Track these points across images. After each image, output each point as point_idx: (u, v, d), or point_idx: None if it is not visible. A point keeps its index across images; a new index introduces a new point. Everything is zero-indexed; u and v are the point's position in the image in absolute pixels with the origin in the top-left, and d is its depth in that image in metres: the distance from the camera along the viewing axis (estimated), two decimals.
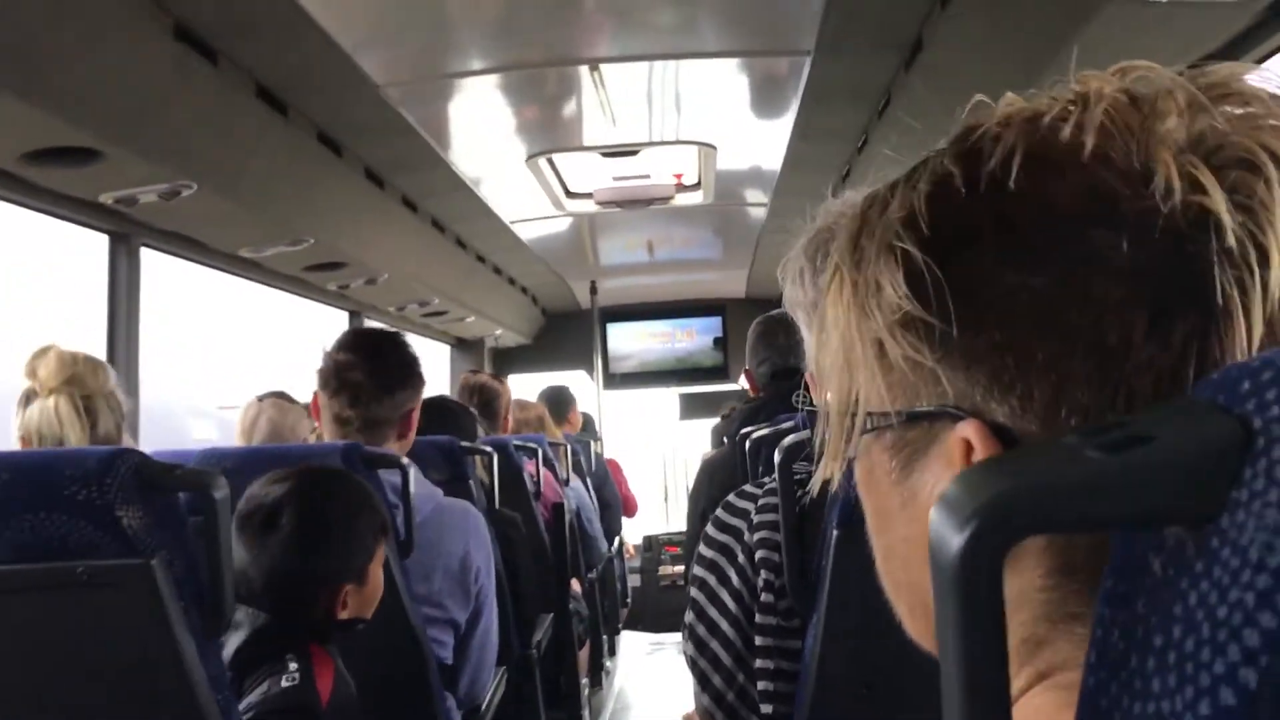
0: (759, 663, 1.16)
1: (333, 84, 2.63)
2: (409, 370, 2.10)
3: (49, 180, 2.22)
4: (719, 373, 6.94)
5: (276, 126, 2.63)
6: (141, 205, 2.47)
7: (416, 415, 2.12)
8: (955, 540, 0.30)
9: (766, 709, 1.15)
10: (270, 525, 1.54)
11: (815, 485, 0.54)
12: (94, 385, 1.87)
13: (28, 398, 1.86)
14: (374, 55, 2.55)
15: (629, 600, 6.27)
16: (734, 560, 1.18)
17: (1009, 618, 0.42)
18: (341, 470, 1.74)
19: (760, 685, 1.16)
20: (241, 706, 1.42)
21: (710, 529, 1.22)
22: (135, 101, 2.13)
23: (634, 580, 6.51)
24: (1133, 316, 0.40)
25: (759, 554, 1.17)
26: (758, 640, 1.16)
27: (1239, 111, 0.42)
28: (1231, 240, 0.39)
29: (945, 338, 0.44)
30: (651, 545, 6.69)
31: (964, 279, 0.43)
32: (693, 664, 1.21)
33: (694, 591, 1.21)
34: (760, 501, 1.20)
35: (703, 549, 1.22)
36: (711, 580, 1.20)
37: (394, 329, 2.69)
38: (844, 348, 0.49)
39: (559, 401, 5.39)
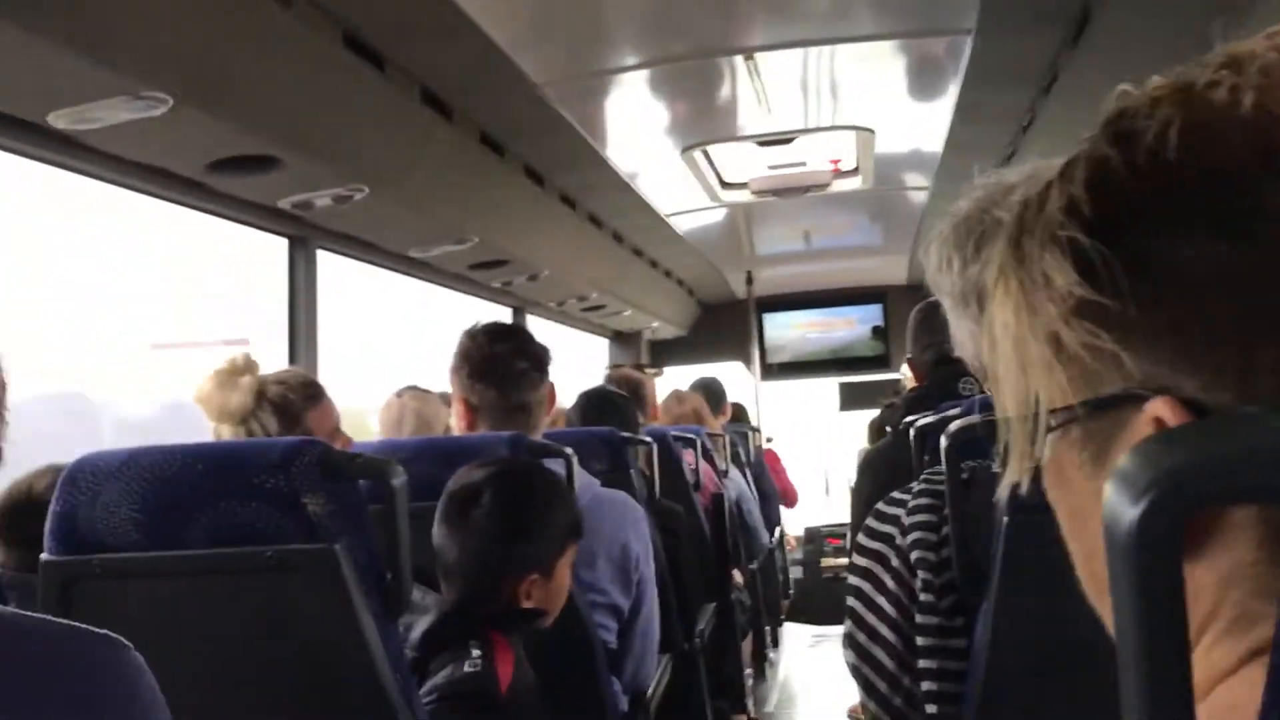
0: (922, 663, 1.14)
1: (493, 85, 2.70)
2: (541, 361, 2.14)
3: (232, 187, 2.36)
4: (880, 362, 6.80)
5: (441, 129, 2.72)
6: (317, 209, 2.59)
7: (547, 405, 2.16)
8: (1130, 514, 0.29)
9: (932, 709, 1.14)
10: (472, 505, 1.60)
11: (1004, 490, 0.52)
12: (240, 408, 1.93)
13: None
14: (532, 55, 2.61)
15: (791, 592, 6.23)
16: (888, 565, 1.17)
17: (1222, 593, 0.41)
18: (543, 466, 1.80)
19: (925, 686, 1.14)
20: (426, 688, 1.48)
21: (862, 537, 1.21)
22: (309, 110, 2.23)
23: (796, 572, 6.46)
24: None
25: (914, 555, 1.15)
26: (920, 641, 1.15)
27: None
28: None
29: (1123, 318, 0.43)
30: (813, 537, 6.62)
31: (1135, 256, 0.43)
32: (855, 671, 1.20)
33: (851, 600, 1.21)
34: (911, 504, 1.18)
35: (856, 558, 1.21)
36: (867, 587, 1.19)
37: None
38: (1017, 350, 0.48)
39: (713, 392, 5.39)
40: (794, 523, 6.69)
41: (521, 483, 1.65)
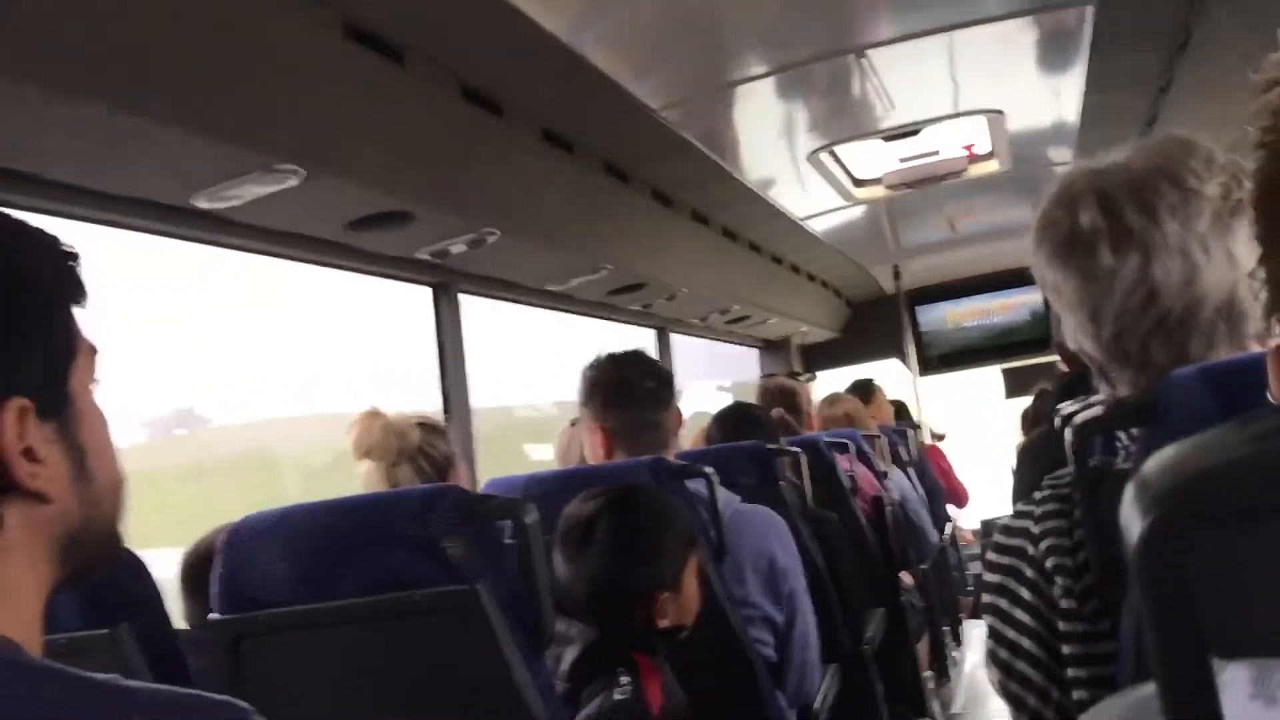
0: (1071, 673, 1.10)
1: (611, 115, 2.75)
2: (662, 380, 2.21)
3: (371, 244, 2.47)
4: (1042, 344, 6.54)
5: (564, 164, 2.78)
6: (454, 255, 2.68)
7: (675, 425, 2.21)
8: (1138, 525, 0.30)
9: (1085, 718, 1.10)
10: (586, 540, 1.64)
11: None
12: (391, 451, 2.02)
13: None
14: (648, 81, 2.64)
15: (970, 588, 6.06)
16: (1023, 579, 1.13)
17: None
18: (646, 485, 1.82)
19: (1076, 695, 1.10)
20: (580, 717, 1.52)
21: (991, 554, 1.18)
22: (435, 162, 2.33)
23: (975, 568, 6.28)
24: None
25: (1050, 562, 1.11)
26: (1066, 650, 1.11)
27: None
28: None
29: None
30: (990, 530, 6.43)
31: None
32: (1003, 689, 1.17)
33: (987, 619, 1.18)
34: (1038, 511, 1.14)
35: (988, 575, 1.18)
36: (1003, 603, 1.16)
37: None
38: None
39: (866, 392, 5.32)
40: (970, 517, 6.52)
41: (630, 506, 1.68)
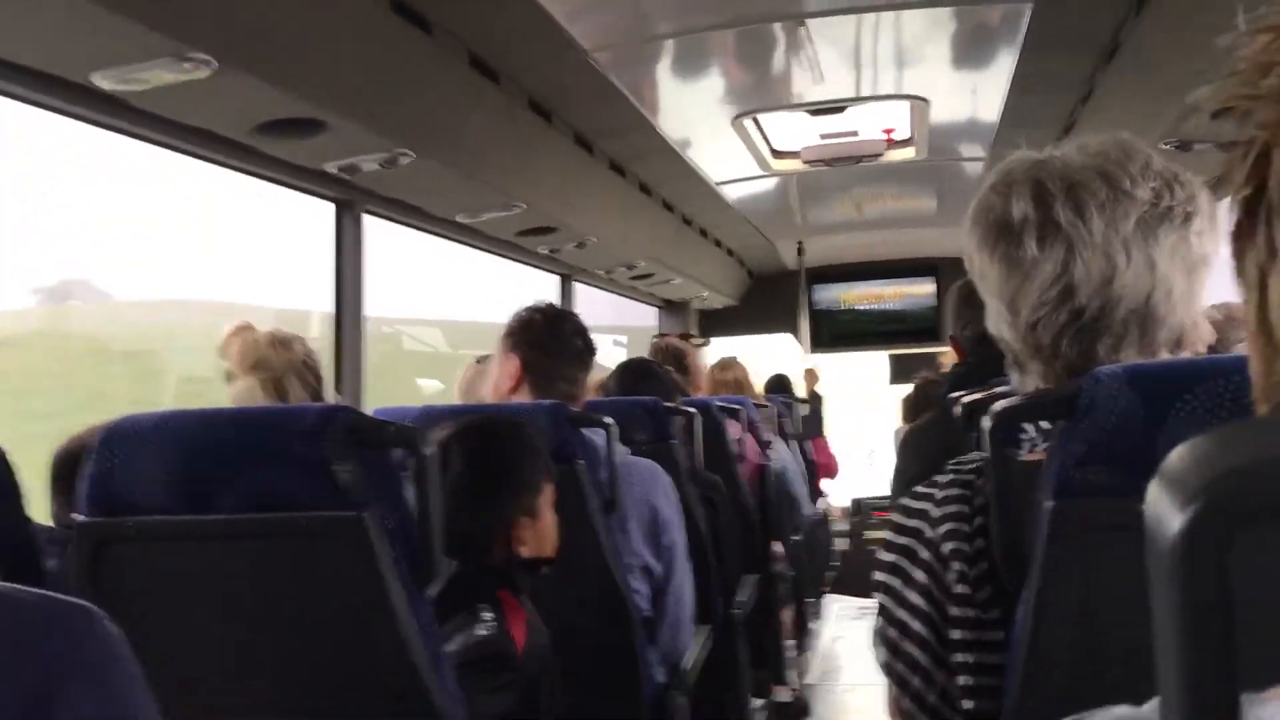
0: (958, 658, 1.11)
1: (542, 51, 2.68)
2: (589, 346, 2.22)
3: (278, 150, 2.36)
4: (932, 334, 6.72)
5: (489, 94, 2.70)
6: (363, 173, 2.58)
7: (584, 392, 2.21)
8: (1175, 521, 0.27)
9: (968, 705, 1.11)
10: (441, 468, 1.59)
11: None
12: (280, 364, 1.98)
13: (229, 376, 2.01)
14: (582, 21, 2.58)
15: (835, 564, 6.20)
16: (917, 560, 1.13)
17: None
18: (502, 415, 1.79)
19: (961, 681, 1.11)
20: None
21: (889, 534, 1.18)
22: (355, 73, 2.23)
23: (841, 544, 6.43)
24: None
25: (948, 546, 1.12)
26: (955, 635, 1.11)
27: None
28: None
29: None
30: (859, 509, 6.59)
31: None
32: (888, 669, 1.18)
33: (880, 596, 1.18)
34: (940, 495, 1.14)
35: (884, 554, 1.18)
36: (896, 583, 1.16)
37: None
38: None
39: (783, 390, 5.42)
40: (840, 494, 6.66)
41: (481, 434, 1.65)
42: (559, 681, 1.62)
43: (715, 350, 5.96)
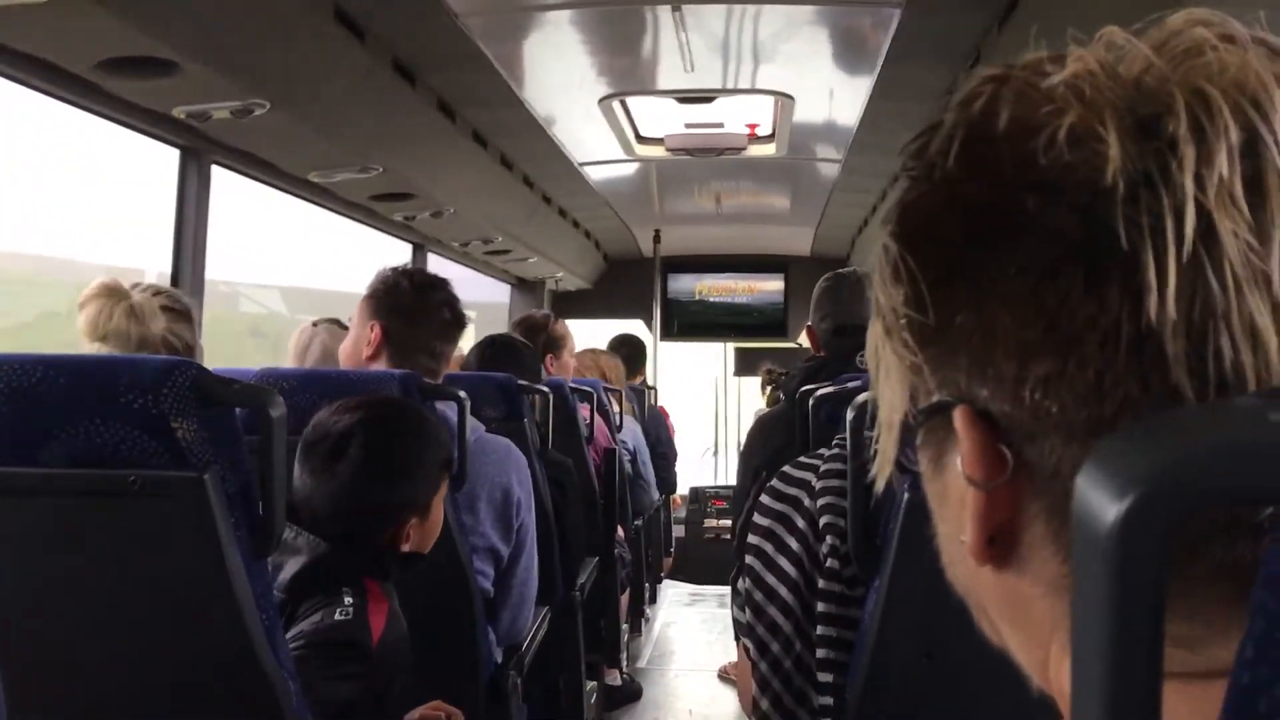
0: (820, 630, 1.13)
1: (410, 10, 2.59)
2: (458, 319, 2.14)
3: (123, 91, 2.22)
4: (778, 329, 6.87)
5: (352, 51, 2.60)
6: (214, 121, 2.46)
7: (450, 353, 2.14)
8: (1111, 510, 0.26)
9: (825, 677, 1.13)
10: (338, 454, 1.53)
11: (880, 483, 0.53)
12: (135, 337, 1.81)
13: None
14: None
15: (672, 550, 6.28)
16: (793, 528, 1.15)
17: (1052, 605, 0.41)
18: (410, 403, 1.73)
19: (820, 653, 1.13)
20: (292, 633, 1.42)
21: (766, 498, 1.20)
22: (213, 14, 2.11)
23: (678, 531, 6.51)
24: (1068, 277, 0.40)
25: (824, 519, 1.14)
26: (820, 607, 1.14)
27: (1179, 53, 0.41)
28: (1135, 190, 0.39)
29: (929, 330, 0.44)
30: (698, 497, 6.68)
31: (936, 267, 0.44)
32: (749, 630, 1.19)
33: (750, 559, 1.19)
34: (824, 468, 1.16)
35: (758, 518, 1.20)
36: (769, 548, 1.17)
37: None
38: (876, 356, 0.50)
39: (635, 352, 5.39)
40: (679, 482, 6.74)
41: (389, 424, 1.59)
42: (411, 677, 1.57)
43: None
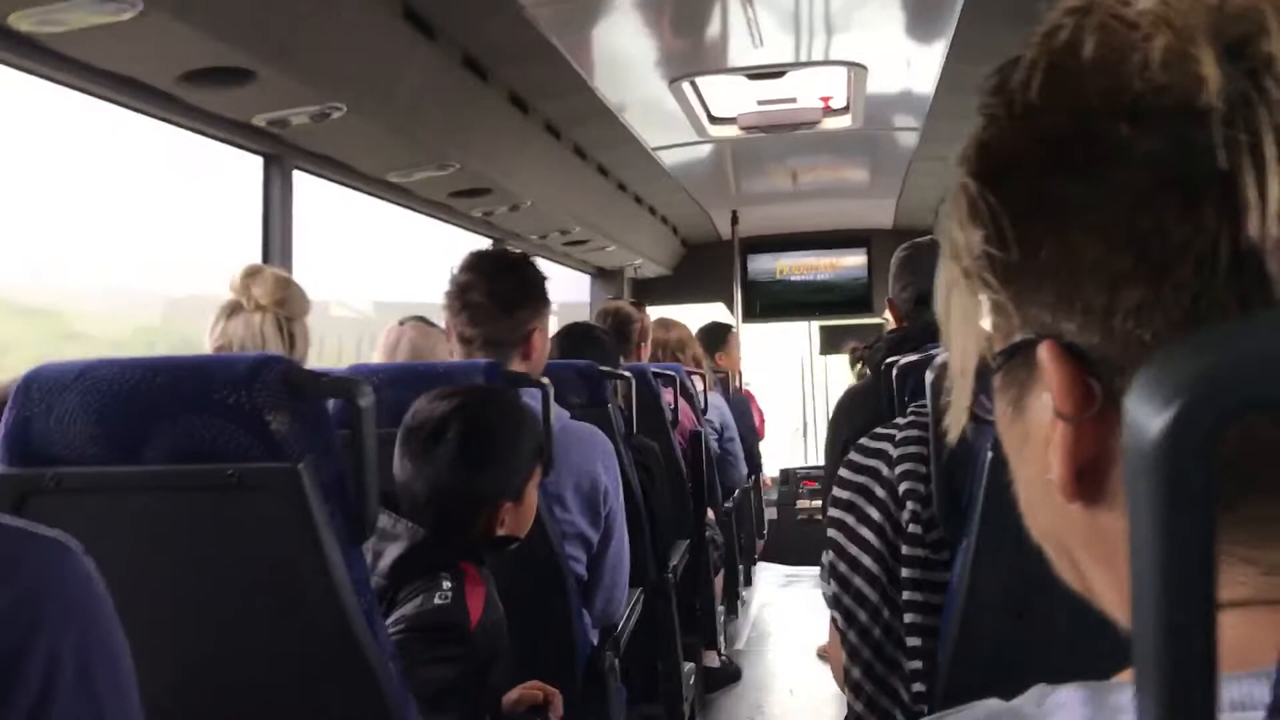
0: (906, 595, 1.13)
1: (478, 5, 2.62)
2: (528, 290, 2.13)
3: (205, 101, 2.28)
4: (862, 305, 6.78)
5: (422, 49, 2.64)
6: (293, 127, 2.52)
7: (541, 336, 2.15)
8: (1155, 422, 0.26)
9: (914, 642, 1.13)
10: (436, 440, 1.57)
11: (953, 434, 0.53)
12: (297, 310, 1.95)
13: (232, 310, 1.94)
14: None
15: (765, 532, 6.26)
16: (872, 498, 1.15)
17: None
18: (504, 390, 1.77)
19: (907, 618, 1.13)
20: (394, 617, 1.46)
21: (844, 471, 1.20)
22: (286, 22, 2.16)
23: (770, 513, 6.49)
24: (1162, 202, 0.39)
25: (903, 486, 1.14)
26: (904, 573, 1.14)
27: None
28: (1232, 109, 0.38)
29: (1008, 266, 0.44)
30: (789, 479, 6.64)
31: (1017, 202, 0.44)
32: (835, 602, 1.19)
33: (832, 532, 1.20)
34: (900, 435, 1.16)
35: (838, 491, 1.20)
36: (850, 519, 1.18)
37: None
38: (948, 302, 0.50)
39: (716, 334, 5.40)
40: (770, 464, 6.72)
41: (485, 412, 1.62)
42: (509, 659, 1.60)
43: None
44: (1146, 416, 0.26)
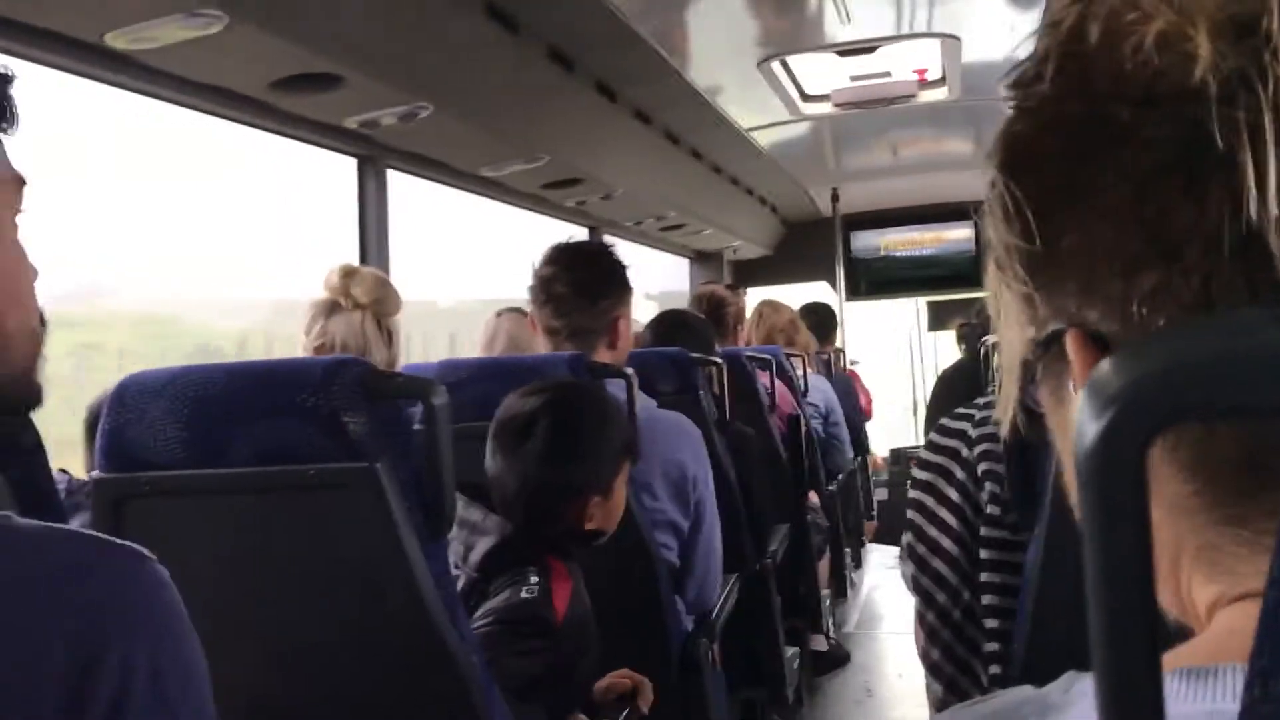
0: (985, 577, 1.12)
1: None
2: (610, 277, 2.15)
3: (297, 107, 2.35)
4: (970, 280, 6.61)
5: (506, 43, 2.66)
6: (384, 128, 2.57)
7: (626, 323, 2.16)
8: (1091, 430, 0.26)
9: (992, 624, 1.11)
10: (524, 436, 1.59)
11: (1004, 429, 0.52)
12: (393, 308, 2.01)
13: (330, 309, 1.99)
14: None
15: (874, 514, 6.17)
16: (952, 479, 1.14)
17: (1176, 525, 0.41)
18: (593, 385, 1.78)
19: (985, 600, 1.12)
20: (482, 610, 1.49)
21: (924, 453, 1.19)
22: (370, 25, 2.20)
23: (880, 494, 6.40)
24: (1167, 184, 0.39)
25: (983, 467, 1.12)
26: (983, 554, 1.12)
27: None
28: (1230, 89, 0.38)
29: (1038, 258, 0.44)
30: (899, 459, 6.54)
31: (1039, 193, 0.44)
32: (914, 583, 1.19)
33: (910, 513, 1.19)
34: (979, 416, 1.14)
35: (917, 472, 1.19)
36: (929, 501, 1.17)
37: (604, 241, 2.74)
38: (996, 299, 0.50)
39: (821, 318, 5.34)
40: (880, 444, 6.62)
41: (573, 407, 1.63)
42: (599, 652, 1.62)
43: (750, 301, 5.91)
44: (1085, 424, 0.27)
